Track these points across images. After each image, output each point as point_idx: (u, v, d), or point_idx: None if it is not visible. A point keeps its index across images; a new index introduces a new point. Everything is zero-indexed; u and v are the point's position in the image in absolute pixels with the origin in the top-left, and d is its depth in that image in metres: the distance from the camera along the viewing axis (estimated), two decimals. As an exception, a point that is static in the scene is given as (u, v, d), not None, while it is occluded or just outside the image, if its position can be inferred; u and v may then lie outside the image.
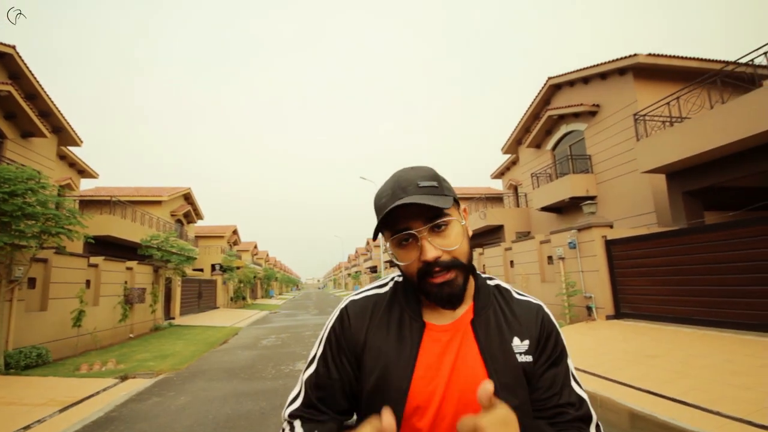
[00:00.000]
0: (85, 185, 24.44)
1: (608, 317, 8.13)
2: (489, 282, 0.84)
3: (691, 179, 8.72)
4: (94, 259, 10.10)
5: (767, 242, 5.69)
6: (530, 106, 16.01)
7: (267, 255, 59.14)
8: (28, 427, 3.99)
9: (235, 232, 35.68)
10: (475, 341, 0.75)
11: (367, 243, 52.53)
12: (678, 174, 9.01)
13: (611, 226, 8.74)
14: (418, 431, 0.71)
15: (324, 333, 0.83)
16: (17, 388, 5.45)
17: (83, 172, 19.94)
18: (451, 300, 0.72)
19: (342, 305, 0.83)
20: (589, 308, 8.34)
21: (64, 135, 14.57)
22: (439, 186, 0.73)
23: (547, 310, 0.83)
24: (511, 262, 12.23)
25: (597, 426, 0.76)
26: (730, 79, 8.12)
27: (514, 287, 0.87)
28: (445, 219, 0.71)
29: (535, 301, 0.83)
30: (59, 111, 13.64)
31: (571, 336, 7.39)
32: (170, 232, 14.92)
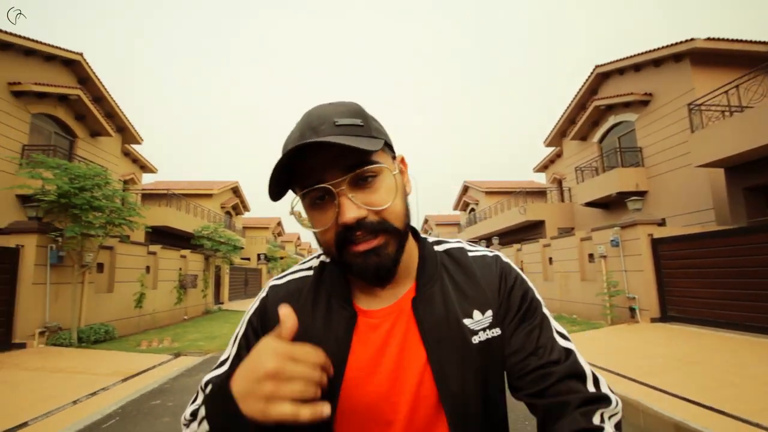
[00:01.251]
0: (146, 180, 26.62)
1: (653, 320, 7.70)
2: (437, 248, 0.68)
3: (753, 174, 7.98)
4: (152, 247, 11.09)
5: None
6: (575, 96, 15.25)
7: (310, 246, 61.15)
8: (94, 393, 4.58)
9: (279, 223, 37.27)
10: (416, 326, 0.59)
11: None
12: (738, 168, 8.27)
13: (660, 224, 8.22)
14: None
15: (239, 330, 0.67)
16: (87, 359, 6.22)
17: (144, 167, 21.71)
18: (378, 273, 0.56)
19: (262, 294, 0.68)
20: (632, 310, 7.95)
21: (126, 134, 15.96)
22: (366, 125, 0.56)
23: (505, 259, 0.67)
24: (550, 259, 11.85)
25: (595, 380, 0.57)
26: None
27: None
28: (371, 167, 0.54)
29: (491, 253, 0.67)
30: (122, 111, 14.94)
31: (611, 338, 7.11)
32: (219, 224, 15.97)
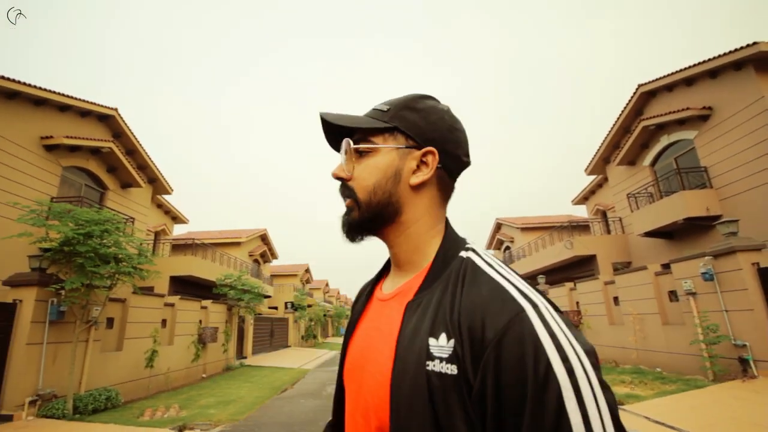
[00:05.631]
0: (179, 230, 26.95)
1: (777, 375, 5.94)
2: (464, 254, 0.59)
3: None
4: (170, 299, 10.36)
5: None
6: (618, 119, 14.13)
7: (338, 293, 59.74)
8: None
9: (307, 270, 36.54)
10: (401, 323, 0.55)
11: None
12: None
13: (761, 249, 6.65)
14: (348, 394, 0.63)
15: None
16: (75, 437, 5.22)
17: (176, 218, 21.85)
18: (343, 229, 0.65)
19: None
20: (743, 361, 6.21)
21: (157, 185, 16.00)
22: (389, 110, 0.63)
23: (531, 313, 0.45)
24: (615, 298, 10.15)
25: None
26: None
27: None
28: (365, 145, 0.62)
29: (519, 297, 0.47)
30: (154, 163, 15.05)
31: (723, 400, 5.42)
32: (242, 271, 15.28)
